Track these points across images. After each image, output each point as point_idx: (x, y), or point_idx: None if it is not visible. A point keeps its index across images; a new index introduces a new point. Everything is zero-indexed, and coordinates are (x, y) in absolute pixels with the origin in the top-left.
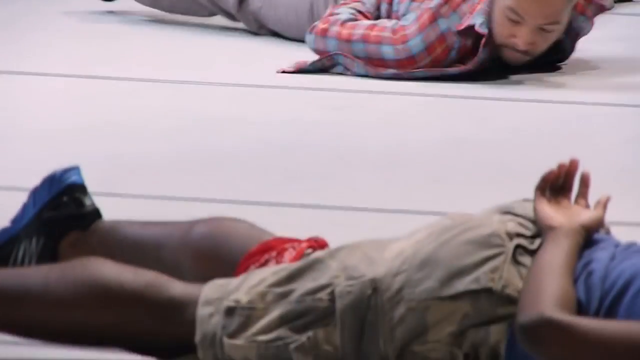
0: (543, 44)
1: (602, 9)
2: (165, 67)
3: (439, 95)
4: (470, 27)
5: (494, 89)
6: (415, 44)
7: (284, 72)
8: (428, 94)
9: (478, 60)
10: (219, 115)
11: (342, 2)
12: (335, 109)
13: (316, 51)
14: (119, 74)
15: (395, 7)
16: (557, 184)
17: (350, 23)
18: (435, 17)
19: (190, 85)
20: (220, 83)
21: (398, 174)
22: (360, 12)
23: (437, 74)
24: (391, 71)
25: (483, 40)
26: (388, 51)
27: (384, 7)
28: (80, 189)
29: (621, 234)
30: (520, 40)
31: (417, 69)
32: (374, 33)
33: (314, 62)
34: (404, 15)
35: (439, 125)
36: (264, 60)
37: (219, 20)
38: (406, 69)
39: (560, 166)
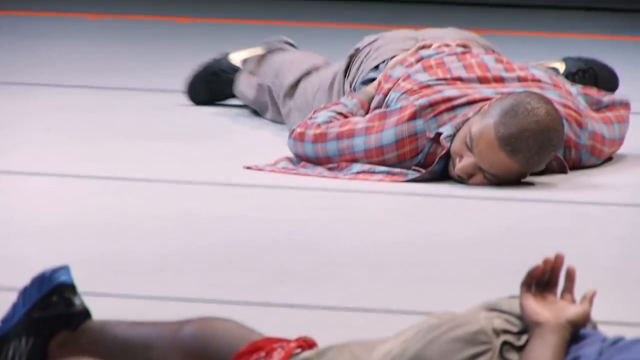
0: (480, 182)
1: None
2: (151, 166)
3: (428, 195)
4: (438, 135)
5: (481, 189)
6: (388, 135)
7: (249, 167)
8: (417, 194)
9: (432, 170)
10: (206, 214)
11: (322, 105)
12: (324, 208)
13: (296, 155)
14: (106, 173)
15: (389, 101)
16: (543, 280)
17: (325, 125)
18: (414, 116)
19: (179, 185)
20: (207, 182)
21: (386, 273)
22: (340, 113)
23: (396, 180)
24: (351, 173)
25: (442, 152)
26: (359, 142)
27: (377, 99)
28: (69, 288)
29: (607, 332)
30: (460, 164)
31: (383, 163)
32: (347, 127)
33: (285, 168)
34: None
35: (427, 224)
36: (251, 159)
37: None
38: (372, 159)
39: (546, 261)
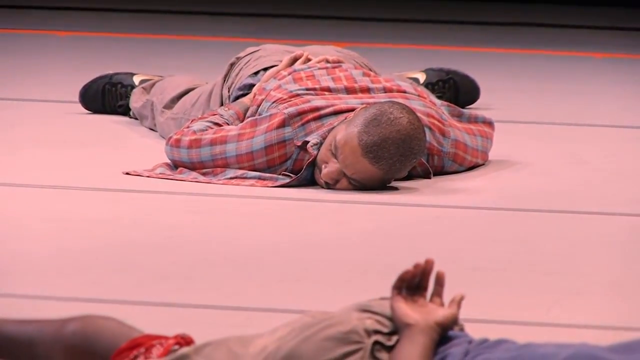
0: (346, 188)
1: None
2: (33, 171)
3: (297, 199)
4: (306, 143)
5: (347, 194)
6: (258, 141)
7: (127, 173)
8: (287, 198)
9: (301, 176)
10: (86, 217)
11: (199, 113)
12: (198, 212)
13: (173, 161)
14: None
15: (261, 110)
16: (414, 283)
17: (200, 132)
18: (283, 124)
19: (60, 190)
20: (87, 188)
21: (259, 273)
22: (216, 123)
23: (267, 185)
24: (225, 179)
25: (309, 160)
26: (231, 148)
27: (251, 110)
28: None
29: (475, 331)
30: (325, 170)
31: (254, 169)
32: (220, 134)
33: (162, 174)
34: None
35: (297, 227)
36: (132, 166)
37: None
38: (243, 164)
39: (416, 266)
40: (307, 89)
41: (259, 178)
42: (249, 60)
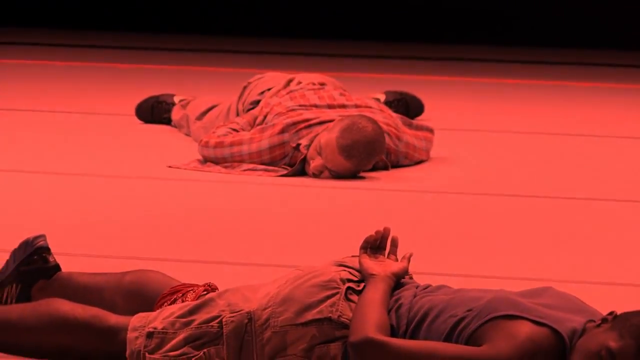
0: (327, 177)
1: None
2: (111, 163)
3: (294, 185)
4: (298, 145)
5: (329, 181)
6: (264, 144)
7: (170, 166)
8: (286, 184)
9: (295, 169)
10: (144, 195)
11: (222, 123)
12: (223, 194)
13: (203, 157)
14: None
15: (266, 120)
16: (375, 244)
17: (223, 136)
18: (282, 130)
19: (127, 178)
20: (145, 176)
21: (265, 236)
22: (234, 130)
23: (271, 175)
24: (241, 170)
25: (301, 157)
26: (245, 149)
27: (259, 120)
28: (46, 250)
29: (420, 279)
30: (312, 165)
31: (261, 163)
32: (237, 138)
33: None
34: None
35: (294, 203)
36: (173, 160)
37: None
38: (254, 160)
39: (377, 232)
40: (300, 105)
41: (266, 170)
42: (256, 84)
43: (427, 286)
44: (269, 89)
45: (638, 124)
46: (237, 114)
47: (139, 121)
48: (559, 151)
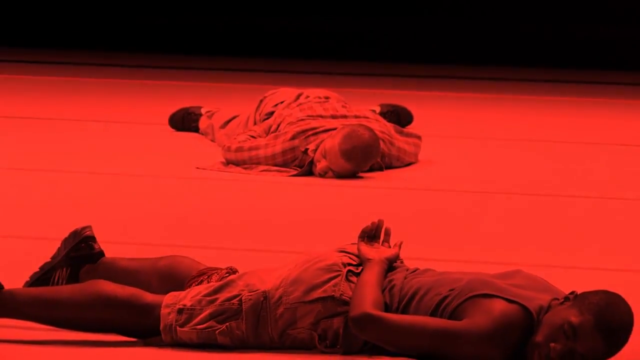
0: (331, 177)
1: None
2: (152, 163)
3: (303, 184)
4: (307, 150)
5: (334, 181)
6: (278, 149)
7: (198, 167)
8: (297, 183)
9: (304, 170)
10: (178, 192)
11: (241, 131)
12: (244, 190)
13: (226, 160)
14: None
15: (279, 128)
16: (371, 234)
17: (243, 142)
18: (293, 137)
19: (159, 177)
20: (177, 176)
21: (278, 225)
22: (252, 136)
23: (284, 175)
24: (258, 171)
25: (309, 160)
26: (262, 153)
27: (273, 128)
28: (92, 239)
29: (410, 263)
30: (318, 167)
31: (275, 165)
32: (255, 144)
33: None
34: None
35: (303, 199)
36: (199, 162)
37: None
38: (269, 163)
39: (373, 223)
40: (308, 116)
41: (279, 171)
42: (271, 97)
43: (416, 269)
44: (281, 102)
45: (592, 131)
46: (255, 123)
47: (171, 129)
48: (532, 155)
